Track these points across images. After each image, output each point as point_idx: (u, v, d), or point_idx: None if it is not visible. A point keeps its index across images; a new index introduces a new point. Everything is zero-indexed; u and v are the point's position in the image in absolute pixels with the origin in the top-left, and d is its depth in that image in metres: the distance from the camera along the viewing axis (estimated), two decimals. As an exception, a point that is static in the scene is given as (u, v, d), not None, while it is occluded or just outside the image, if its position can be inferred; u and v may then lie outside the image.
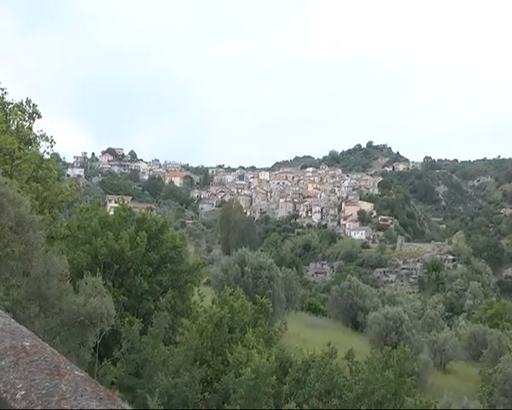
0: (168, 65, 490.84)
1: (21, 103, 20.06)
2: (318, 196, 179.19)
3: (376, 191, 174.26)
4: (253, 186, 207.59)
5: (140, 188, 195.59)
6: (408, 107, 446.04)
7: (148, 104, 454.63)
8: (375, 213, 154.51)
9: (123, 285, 20.29)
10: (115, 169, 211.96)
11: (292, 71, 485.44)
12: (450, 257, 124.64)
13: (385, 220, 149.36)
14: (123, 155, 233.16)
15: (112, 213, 23.59)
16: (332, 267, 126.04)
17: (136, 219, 22.32)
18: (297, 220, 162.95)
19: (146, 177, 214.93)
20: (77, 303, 12.72)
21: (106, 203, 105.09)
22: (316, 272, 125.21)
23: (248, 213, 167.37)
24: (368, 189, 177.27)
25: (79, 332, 12.73)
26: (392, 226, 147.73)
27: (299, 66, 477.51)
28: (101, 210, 22.94)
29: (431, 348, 35.19)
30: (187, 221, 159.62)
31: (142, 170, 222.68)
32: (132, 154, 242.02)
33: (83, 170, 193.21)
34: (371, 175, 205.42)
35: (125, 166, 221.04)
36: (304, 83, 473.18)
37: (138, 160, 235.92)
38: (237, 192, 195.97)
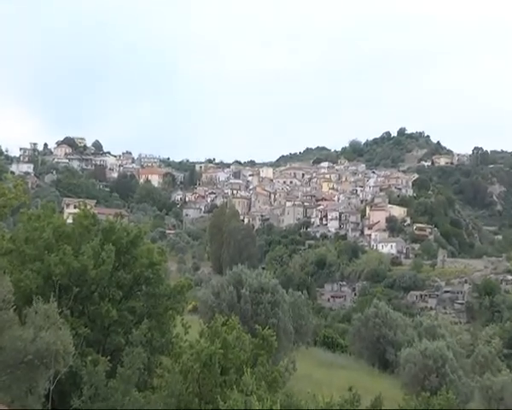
0: (144, 35, 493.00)
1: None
2: (336, 198, 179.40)
3: (410, 192, 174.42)
4: (252, 186, 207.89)
5: (107, 189, 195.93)
6: (452, 84, 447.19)
7: (118, 84, 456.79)
8: (408, 221, 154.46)
9: (84, 314, 20.19)
10: (75, 165, 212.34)
11: (302, 39, 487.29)
12: (510, 277, 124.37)
13: (422, 230, 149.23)
14: (85, 147, 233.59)
15: (70, 221, 23.51)
16: (353, 290, 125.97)
17: (102, 228, 22.22)
18: (308, 230, 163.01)
19: (115, 174, 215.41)
20: (23, 338, 12.63)
21: (62, 209, 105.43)
22: (333, 296, 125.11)
23: (246, 221, 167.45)
24: (399, 189, 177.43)
25: (26, 376, 12.63)
26: (431, 237, 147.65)
27: (312, 32, 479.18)
28: (57, 218, 22.81)
29: (484, 396, 34.98)
30: (168, 231, 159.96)
31: (109, 166, 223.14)
32: (97, 145, 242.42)
33: (32, 166, 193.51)
34: (404, 172, 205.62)
35: (87, 160, 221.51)
36: (317, 55, 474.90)
37: (105, 153, 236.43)
38: (232, 194, 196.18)
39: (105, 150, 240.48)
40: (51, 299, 14.74)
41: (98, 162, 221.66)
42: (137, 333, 18.39)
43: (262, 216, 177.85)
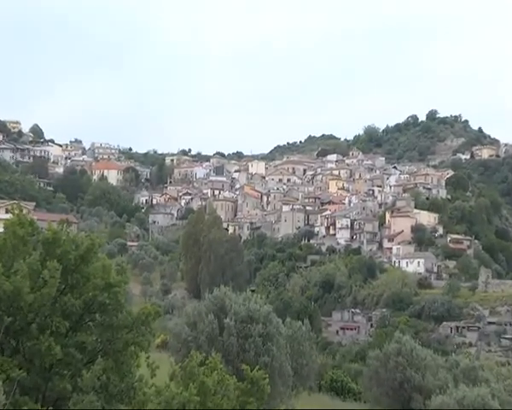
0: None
1: None
2: (346, 201, 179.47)
3: (443, 194, 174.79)
4: (238, 185, 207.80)
5: (50, 188, 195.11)
6: (496, 56, 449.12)
7: (64, 54, 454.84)
8: (440, 230, 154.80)
9: (19, 352, 20.08)
10: (6, 156, 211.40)
11: (300, 2, 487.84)
12: None
13: (458, 242, 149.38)
14: (20, 133, 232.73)
15: (1, 229, 23.42)
16: (369, 319, 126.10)
17: (43, 240, 22.16)
18: (311, 241, 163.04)
19: (60, 169, 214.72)
20: None
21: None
22: (342, 328, 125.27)
23: (231, 230, 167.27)
24: (429, 189, 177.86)
25: None
26: (470, 252, 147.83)
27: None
28: (-17, 225, 22.75)
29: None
30: (129, 243, 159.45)
31: (53, 158, 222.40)
32: (36, 131, 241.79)
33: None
34: (435, 167, 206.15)
35: (23, 151, 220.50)
36: (322, 20, 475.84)
37: (47, 141, 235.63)
38: (213, 195, 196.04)
39: (47, 138, 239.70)
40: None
41: (38, 153, 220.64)
42: (89, 376, 18.29)
43: (251, 224, 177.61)
